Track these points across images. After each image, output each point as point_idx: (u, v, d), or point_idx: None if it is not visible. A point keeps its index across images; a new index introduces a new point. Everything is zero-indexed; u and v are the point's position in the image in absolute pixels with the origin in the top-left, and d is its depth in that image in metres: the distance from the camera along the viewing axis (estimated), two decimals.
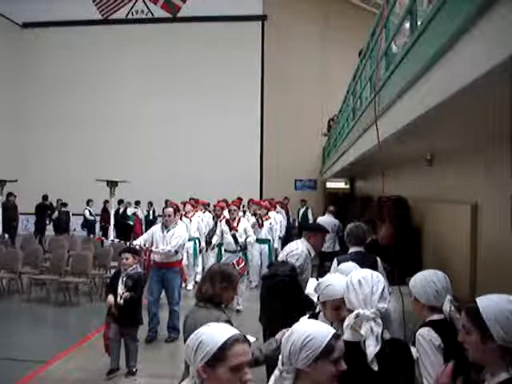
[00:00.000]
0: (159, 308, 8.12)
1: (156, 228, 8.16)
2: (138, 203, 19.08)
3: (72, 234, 16.55)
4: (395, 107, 4.38)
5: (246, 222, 10.12)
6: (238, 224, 9.78)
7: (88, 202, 18.53)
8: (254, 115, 22.09)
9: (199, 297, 3.65)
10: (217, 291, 3.57)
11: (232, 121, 21.48)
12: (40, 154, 22.19)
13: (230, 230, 9.67)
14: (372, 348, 2.44)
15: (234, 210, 10.03)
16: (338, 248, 11.20)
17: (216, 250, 10.37)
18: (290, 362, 2.11)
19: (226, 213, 10.91)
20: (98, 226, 18.96)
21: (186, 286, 11.15)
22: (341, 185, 19.55)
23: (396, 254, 6.15)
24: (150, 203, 19.21)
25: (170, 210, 8.04)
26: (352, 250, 5.29)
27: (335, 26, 20.33)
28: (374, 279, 2.65)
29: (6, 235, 13.75)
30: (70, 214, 18.13)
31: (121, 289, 6.30)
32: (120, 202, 18.17)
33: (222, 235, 9.84)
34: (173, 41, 22.04)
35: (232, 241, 9.61)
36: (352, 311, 2.60)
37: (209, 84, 21.78)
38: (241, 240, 9.58)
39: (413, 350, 2.80)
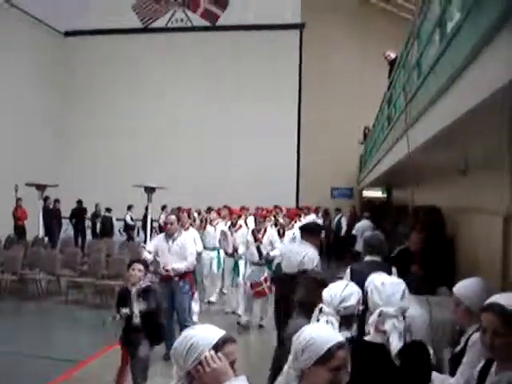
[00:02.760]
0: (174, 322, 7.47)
1: (158, 238, 7.61)
2: (179, 209, 19.23)
3: (110, 238, 16.84)
4: (425, 117, 4.39)
5: (272, 234, 9.52)
6: (263, 235, 9.18)
7: (129, 208, 18.86)
8: (291, 123, 22.09)
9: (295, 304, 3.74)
10: (311, 299, 3.53)
11: (270, 128, 21.46)
12: (79, 159, 22.58)
13: (255, 241, 9.10)
14: (396, 343, 2.57)
15: (260, 222, 9.49)
16: None
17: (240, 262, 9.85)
18: (295, 360, 2.18)
19: (244, 221, 10.85)
20: (135, 231, 19.38)
21: (209, 299, 10.95)
22: (378, 194, 19.41)
23: (427, 263, 6.15)
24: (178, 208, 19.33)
25: (173, 217, 7.49)
26: (367, 258, 5.26)
27: (374, 34, 20.23)
28: (394, 281, 2.86)
29: (46, 238, 14.09)
30: (114, 220, 18.58)
31: (136, 306, 5.36)
32: (163, 207, 18.51)
33: (247, 246, 9.26)
34: (211, 49, 22.20)
35: (255, 252, 9.02)
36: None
37: (246, 92, 21.87)
38: (265, 252, 8.93)
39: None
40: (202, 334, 2.07)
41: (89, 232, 18.97)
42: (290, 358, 2.24)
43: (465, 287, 3.23)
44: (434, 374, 3.05)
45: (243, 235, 9.73)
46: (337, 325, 2.88)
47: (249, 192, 18.70)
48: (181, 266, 7.16)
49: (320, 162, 20.81)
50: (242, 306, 9.37)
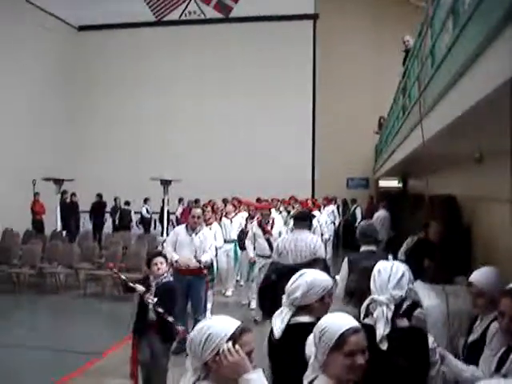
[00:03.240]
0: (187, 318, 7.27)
1: (180, 230, 7.42)
2: (197, 201, 19.28)
3: (128, 231, 16.95)
4: (439, 105, 4.37)
5: (281, 224, 9.24)
6: (272, 227, 8.88)
7: (145, 201, 18.96)
8: (306, 113, 22.02)
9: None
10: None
11: (284, 119, 21.45)
12: (96, 153, 22.67)
13: (264, 234, 8.78)
14: (381, 329, 2.63)
15: (267, 215, 9.07)
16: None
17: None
18: (317, 351, 2.26)
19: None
20: (152, 223, 19.53)
21: (225, 292, 10.83)
22: (394, 183, 19.30)
23: (444, 253, 6.13)
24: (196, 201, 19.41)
25: (199, 211, 7.39)
26: (363, 248, 5.29)
27: (388, 23, 20.04)
28: (392, 269, 2.83)
29: (64, 232, 14.23)
30: (132, 213, 18.72)
31: (151, 300, 5.08)
32: (180, 200, 18.64)
33: (255, 238, 8.90)
34: (225, 41, 22.17)
35: (266, 246, 8.65)
36: None
37: (260, 83, 21.83)
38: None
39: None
40: (218, 325, 2.09)
41: (108, 226, 19.09)
42: (313, 350, 2.31)
43: (485, 277, 3.27)
44: (463, 366, 3.10)
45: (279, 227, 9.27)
46: (390, 314, 2.77)
47: (264, 183, 18.71)
48: (207, 257, 7.14)
49: (335, 152, 20.74)
50: (255, 301, 9.10)
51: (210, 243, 7.28)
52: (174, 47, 22.58)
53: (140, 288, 5.07)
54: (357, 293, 3.56)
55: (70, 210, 17.33)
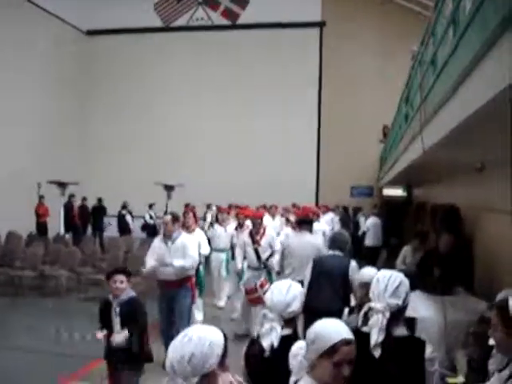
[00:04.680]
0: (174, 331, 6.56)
1: (156, 241, 6.97)
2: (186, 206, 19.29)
3: (130, 235, 16.93)
4: (439, 114, 4.35)
5: (271, 235, 8.53)
6: (261, 237, 8.28)
7: (150, 206, 18.89)
8: (311, 121, 22.05)
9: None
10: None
11: (289, 127, 21.50)
12: (101, 156, 22.77)
13: (253, 243, 8.23)
14: (375, 337, 2.68)
15: (257, 222, 8.47)
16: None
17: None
18: (307, 350, 2.34)
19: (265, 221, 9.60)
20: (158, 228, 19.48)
21: (218, 304, 10.28)
22: (398, 192, 19.21)
23: (450, 263, 6.10)
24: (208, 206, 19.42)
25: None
26: (329, 252, 5.94)
27: (395, 32, 20.04)
28: (390, 278, 2.84)
29: (67, 235, 14.27)
30: (129, 217, 18.72)
31: (117, 323, 4.76)
32: (186, 205, 18.60)
33: (245, 248, 8.36)
34: (231, 47, 22.28)
35: (254, 256, 8.19)
36: None
37: (266, 89, 21.88)
38: (264, 256, 8.13)
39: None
40: (213, 334, 2.12)
41: (111, 229, 19.12)
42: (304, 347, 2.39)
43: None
44: None
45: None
46: (385, 322, 2.79)
47: (268, 191, 18.68)
48: (182, 262, 6.55)
49: (340, 160, 20.75)
50: (239, 313, 8.82)
51: (191, 250, 6.72)
52: (181, 53, 22.72)
53: (100, 336, 4.82)
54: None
55: (78, 214, 17.78)
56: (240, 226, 9.60)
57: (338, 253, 5.78)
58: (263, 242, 8.20)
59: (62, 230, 14.05)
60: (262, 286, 7.18)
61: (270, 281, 7.39)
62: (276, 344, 2.95)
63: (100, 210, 19.15)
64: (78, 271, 11.61)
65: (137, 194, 19.19)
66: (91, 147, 23.00)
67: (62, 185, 13.51)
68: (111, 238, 16.31)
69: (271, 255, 8.13)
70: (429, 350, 2.80)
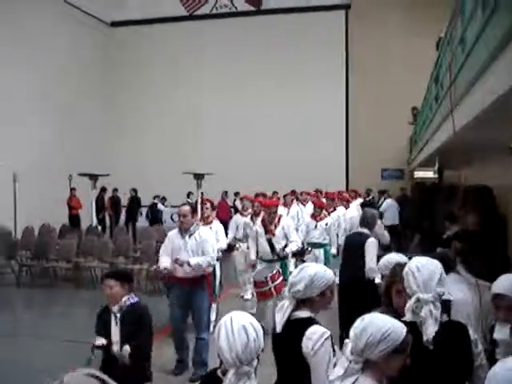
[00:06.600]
0: (187, 331, 6.47)
1: (172, 234, 6.37)
2: (237, 194, 19.34)
3: (161, 225, 17.06)
4: (470, 94, 4.25)
5: (288, 224, 7.94)
6: (276, 226, 7.73)
7: (188, 195, 18.93)
8: (339, 105, 21.90)
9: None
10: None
11: (317, 110, 21.36)
12: (131, 148, 22.96)
13: (266, 233, 7.70)
14: (431, 329, 2.61)
15: (274, 212, 7.90)
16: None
17: None
18: (362, 353, 2.23)
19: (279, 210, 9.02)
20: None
21: (243, 296, 9.58)
22: (429, 174, 18.91)
23: (482, 245, 5.98)
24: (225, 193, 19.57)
25: (186, 208, 6.20)
26: (358, 229, 6.42)
27: (420, 14, 19.63)
28: (431, 265, 2.79)
29: (100, 227, 14.45)
30: (162, 206, 19.05)
31: (116, 333, 4.30)
32: (225, 193, 19.07)
33: (257, 239, 7.83)
34: (256, 33, 22.16)
35: (267, 247, 7.69)
36: (411, 296, 2.75)
37: (293, 74, 21.74)
38: (278, 247, 7.66)
39: None
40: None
41: (142, 219, 19.35)
42: (349, 352, 2.28)
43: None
44: None
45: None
46: (439, 313, 2.74)
47: (297, 176, 18.63)
48: (199, 259, 6.06)
49: (369, 143, 20.56)
50: (249, 292, 8.51)
51: (211, 245, 6.23)
52: (205, 41, 22.68)
53: (99, 342, 4.25)
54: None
55: (111, 205, 18.58)
56: (256, 214, 8.80)
57: (365, 230, 6.24)
58: (277, 231, 7.71)
59: (95, 222, 14.21)
60: (272, 278, 6.85)
61: (285, 273, 7.05)
62: (281, 321, 2.96)
63: (135, 201, 19.43)
64: (111, 262, 11.75)
65: (163, 184, 19.43)
66: (118, 137, 23.19)
67: (93, 177, 13.61)
68: (143, 228, 16.44)
69: (286, 245, 7.66)
70: (470, 332, 2.77)
